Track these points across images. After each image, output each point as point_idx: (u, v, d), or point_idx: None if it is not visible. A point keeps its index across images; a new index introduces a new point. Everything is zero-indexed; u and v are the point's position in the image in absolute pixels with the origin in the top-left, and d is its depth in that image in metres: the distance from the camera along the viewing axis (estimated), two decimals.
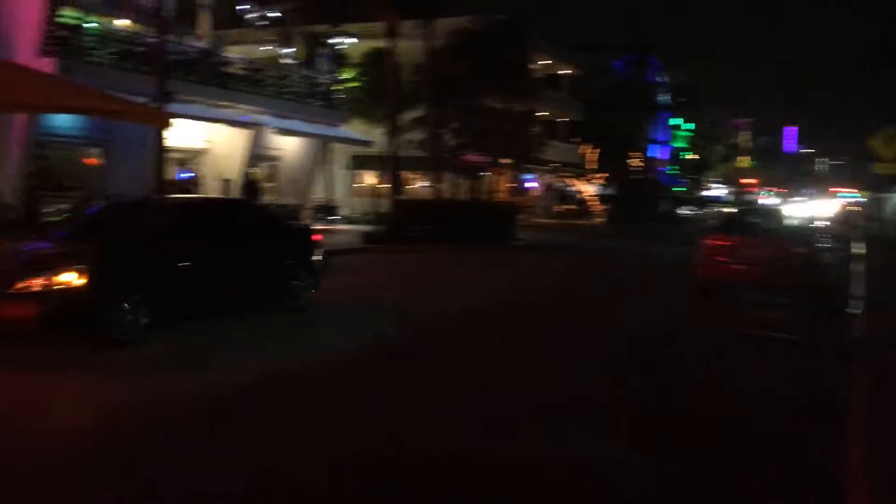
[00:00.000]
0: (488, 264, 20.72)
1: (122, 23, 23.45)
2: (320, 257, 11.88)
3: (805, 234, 13.47)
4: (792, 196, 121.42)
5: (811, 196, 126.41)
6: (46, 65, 18.27)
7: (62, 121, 20.15)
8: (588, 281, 17.70)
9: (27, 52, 18.88)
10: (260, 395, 7.22)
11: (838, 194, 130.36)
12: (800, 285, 12.77)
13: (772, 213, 16.06)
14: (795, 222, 14.65)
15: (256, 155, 26.93)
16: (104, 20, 22.59)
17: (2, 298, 8.09)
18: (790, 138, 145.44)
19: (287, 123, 27.30)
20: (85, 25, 21.28)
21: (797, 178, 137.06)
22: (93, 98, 13.42)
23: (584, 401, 7.28)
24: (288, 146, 29.17)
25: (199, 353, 8.85)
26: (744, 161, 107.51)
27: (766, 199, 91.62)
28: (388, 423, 6.45)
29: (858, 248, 24.98)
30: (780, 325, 11.79)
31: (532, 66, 39.08)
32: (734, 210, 21.49)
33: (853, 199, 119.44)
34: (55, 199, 19.59)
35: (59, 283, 8.15)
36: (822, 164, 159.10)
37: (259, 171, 26.63)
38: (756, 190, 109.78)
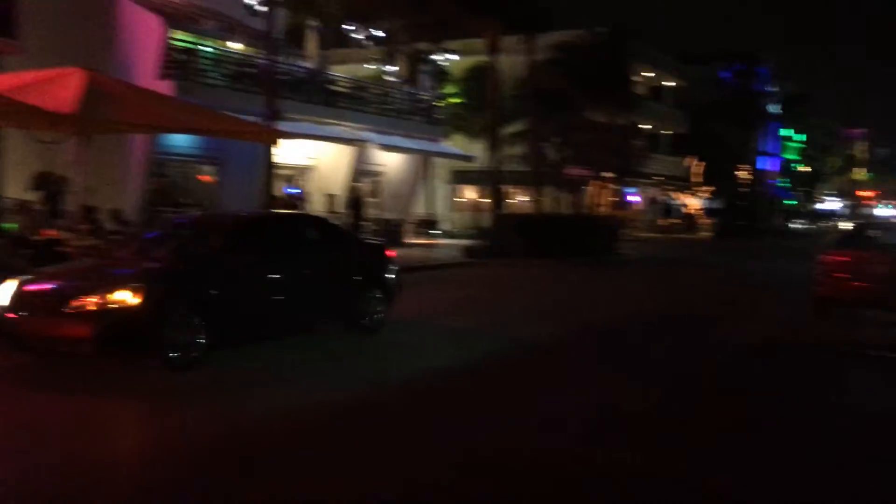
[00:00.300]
0: (589, 279, 20.37)
1: (235, 45, 24.42)
2: (394, 274, 11.19)
3: None
4: None
5: None
6: (164, 87, 19.17)
7: (178, 140, 21.12)
8: (698, 297, 17.13)
9: (147, 75, 19.88)
10: (306, 427, 6.57)
11: None
12: None
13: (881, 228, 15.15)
14: None
15: (360, 170, 27.45)
16: (218, 44, 23.61)
17: (59, 317, 7.80)
18: None
19: (389, 139, 27.75)
20: (200, 49, 22.27)
21: None
22: (209, 118, 13.94)
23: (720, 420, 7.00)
24: (390, 162, 29.61)
25: (258, 377, 8.27)
26: (860, 173, 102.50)
27: (884, 212, 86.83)
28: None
29: None
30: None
31: (635, 79, 38.43)
32: (853, 224, 20.34)
33: None
34: (172, 215, 20.52)
35: (114, 302, 7.72)
36: None
37: (363, 187, 27.12)
38: (874, 203, 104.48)
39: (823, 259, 13.12)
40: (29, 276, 8.51)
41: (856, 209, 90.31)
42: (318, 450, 6.03)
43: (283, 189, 25.32)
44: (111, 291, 7.77)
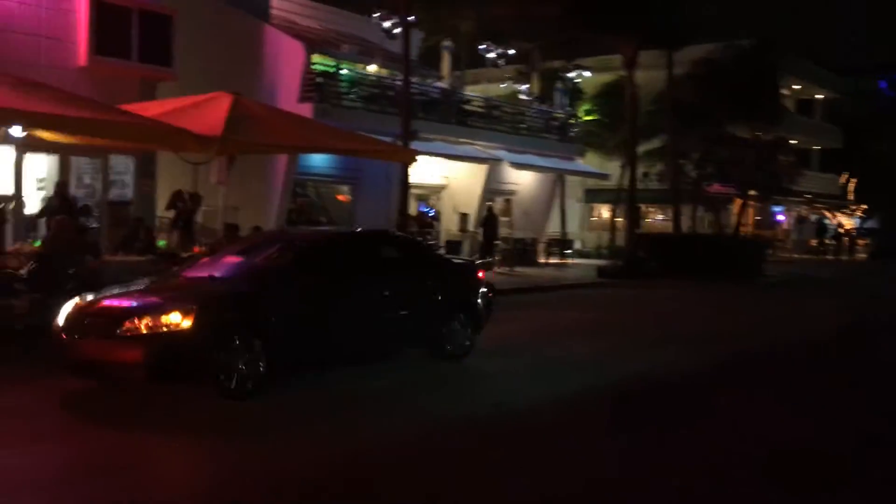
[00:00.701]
0: (727, 302, 19.28)
1: (371, 68, 25.06)
2: (484, 297, 10.33)
3: None
4: None
5: None
6: (305, 110, 19.86)
7: (317, 161, 21.81)
8: (855, 323, 15.89)
9: (290, 98, 20.68)
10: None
11: None
12: None
13: None
14: None
15: (492, 189, 27.43)
16: (356, 66, 24.29)
17: (111, 340, 7.28)
18: None
19: (522, 158, 27.61)
20: (339, 73, 22.98)
21: None
22: (345, 138, 14.29)
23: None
24: (523, 180, 29.44)
25: (317, 407, 7.64)
26: None
27: None
28: None
29: None
30: None
31: (783, 92, 36.57)
32: None
33: None
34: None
35: (166, 325, 7.19)
36: None
37: (495, 205, 27.08)
38: None
39: None
40: (92, 296, 8.04)
41: None
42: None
43: (417, 208, 25.67)
44: (164, 313, 7.25)
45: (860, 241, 47.22)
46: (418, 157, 16.54)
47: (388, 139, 17.85)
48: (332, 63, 23.16)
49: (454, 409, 7.77)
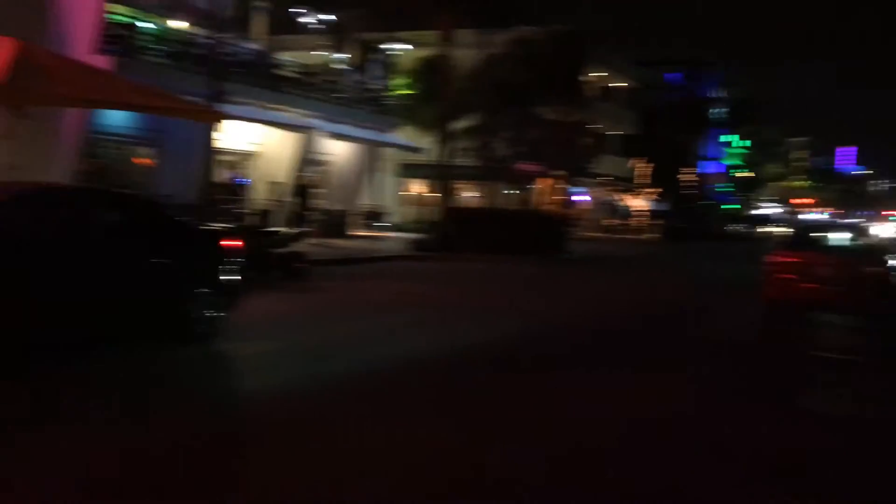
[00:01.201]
0: (532, 277, 20.08)
1: (178, 24, 23.52)
2: (235, 271, 9.06)
3: (876, 252, 12.65)
4: (846, 217, 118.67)
5: (865, 218, 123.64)
6: (102, 62, 18.26)
7: (114, 119, 20.17)
8: (653, 298, 17.01)
9: (83, 49, 18.89)
10: None
11: (891, 217, 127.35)
12: (872, 306, 11.98)
13: (844, 230, 15.22)
14: (868, 241, 13.80)
15: (306, 159, 26.78)
16: (160, 21, 22.69)
17: None
18: (845, 159, 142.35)
19: (337, 128, 27.13)
20: (140, 25, 21.35)
21: (852, 199, 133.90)
22: (147, 95, 13.22)
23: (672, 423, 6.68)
24: (338, 151, 29.00)
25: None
26: (798, 180, 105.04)
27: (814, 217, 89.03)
28: None
29: None
30: (855, 347, 11.06)
31: (588, 78, 38.46)
32: (789, 228, 20.40)
33: None
34: None
35: None
36: (875, 187, 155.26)
37: (309, 175, 26.46)
38: (810, 210, 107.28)
39: (772, 260, 13.07)
40: None
41: (792, 215, 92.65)
42: None
43: (226, 175, 24.54)
44: None
45: (653, 223, 51.00)
46: (228, 121, 15.75)
47: (195, 100, 16.80)
48: (133, 13, 21.48)
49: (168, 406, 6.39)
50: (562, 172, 36.05)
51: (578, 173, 37.65)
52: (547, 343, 10.42)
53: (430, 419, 6.37)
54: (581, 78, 33.25)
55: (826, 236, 14.27)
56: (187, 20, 23.60)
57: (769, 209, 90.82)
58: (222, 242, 9.35)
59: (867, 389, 8.73)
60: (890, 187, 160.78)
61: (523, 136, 31.75)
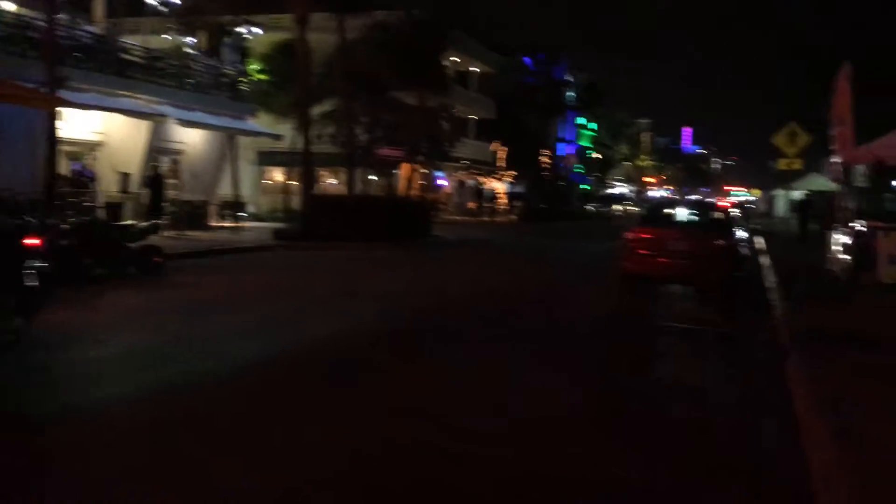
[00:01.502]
0: (397, 264, 20.06)
1: (8, 6, 21.77)
2: (34, 272, 8.09)
3: (725, 226, 13.42)
4: (690, 195, 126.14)
5: (707, 195, 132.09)
6: None
7: None
8: (515, 277, 17.36)
9: None
10: None
11: (731, 193, 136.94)
12: (720, 277, 12.71)
13: (695, 206, 16.02)
14: (717, 215, 14.61)
15: (158, 148, 25.55)
16: None
17: None
18: (687, 139, 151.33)
19: (190, 115, 25.98)
20: None
21: (695, 177, 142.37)
22: None
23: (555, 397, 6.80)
24: (192, 139, 27.84)
25: None
26: (645, 160, 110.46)
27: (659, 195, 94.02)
28: None
29: (759, 242, 25.63)
30: (707, 317, 11.70)
31: (445, 62, 38.68)
32: (655, 202, 21.22)
33: (744, 198, 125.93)
34: None
35: None
36: (716, 164, 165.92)
37: (161, 166, 25.24)
38: (656, 188, 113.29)
39: (628, 236, 13.61)
40: None
41: (640, 194, 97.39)
42: None
43: (70, 167, 23.01)
44: None
45: (512, 204, 52.16)
46: (70, 109, 14.72)
47: (31, 86, 15.62)
48: None
49: None
50: (423, 158, 36.15)
51: (440, 158, 37.90)
52: (403, 334, 10.42)
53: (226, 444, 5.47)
54: (439, 63, 33.40)
55: (678, 212, 14.98)
56: (18, 2, 21.90)
57: (621, 188, 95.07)
58: (24, 240, 8.21)
59: (714, 357, 9.26)
60: (723, 164, 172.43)
61: (383, 121, 31.58)
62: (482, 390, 7.18)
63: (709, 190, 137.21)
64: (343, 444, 5.46)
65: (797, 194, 62.50)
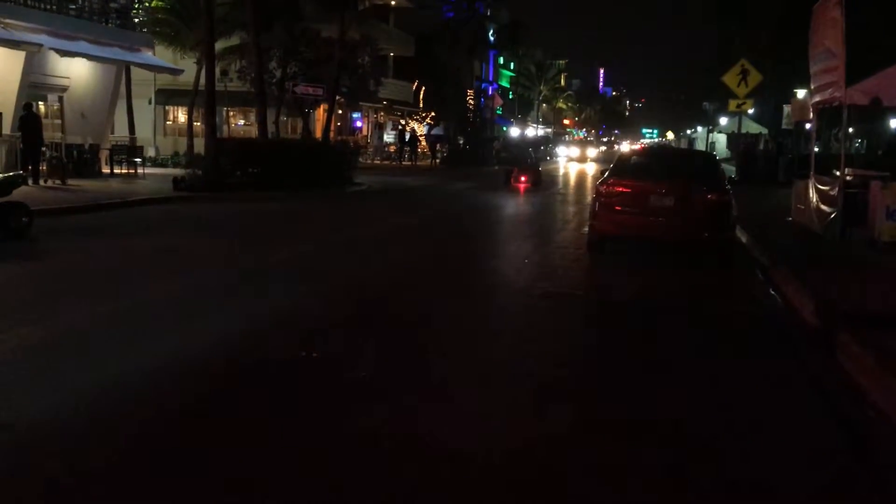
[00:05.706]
0: (309, 218, 17.42)
1: None
2: None
3: (715, 177, 11.45)
4: (606, 136, 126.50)
5: (620, 136, 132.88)
6: None
7: None
8: (468, 245, 15.18)
9: None
10: None
11: (645, 134, 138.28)
12: (714, 237, 10.79)
13: (673, 154, 14.03)
14: (706, 164, 12.62)
15: (35, 83, 22.15)
16: None
17: None
18: (601, 80, 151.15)
19: (72, 45, 22.48)
20: None
21: (611, 119, 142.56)
22: None
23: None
24: (78, 74, 24.38)
25: None
26: (563, 102, 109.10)
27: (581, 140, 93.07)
28: None
29: None
30: (696, 286, 9.87)
31: None
32: (629, 150, 18.97)
33: (653, 139, 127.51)
34: None
35: None
36: (629, 106, 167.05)
37: (39, 104, 21.86)
38: (573, 129, 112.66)
39: (599, 189, 11.55)
40: None
41: (559, 136, 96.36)
42: None
43: None
44: None
45: (434, 148, 49.54)
46: None
47: None
48: None
49: None
50: (342, 96, 33.27)
51: (363, 98, 35.09)
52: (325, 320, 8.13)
53: None
54: None
55: (657, 162, 13.01)
56: None
57: (541, 130, 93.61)
58: None
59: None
60: (635, 105, 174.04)
61: (298, 55, 28.64)
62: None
63: (617, 132, 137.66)
64: None
65: (720, 137, 62.45)
